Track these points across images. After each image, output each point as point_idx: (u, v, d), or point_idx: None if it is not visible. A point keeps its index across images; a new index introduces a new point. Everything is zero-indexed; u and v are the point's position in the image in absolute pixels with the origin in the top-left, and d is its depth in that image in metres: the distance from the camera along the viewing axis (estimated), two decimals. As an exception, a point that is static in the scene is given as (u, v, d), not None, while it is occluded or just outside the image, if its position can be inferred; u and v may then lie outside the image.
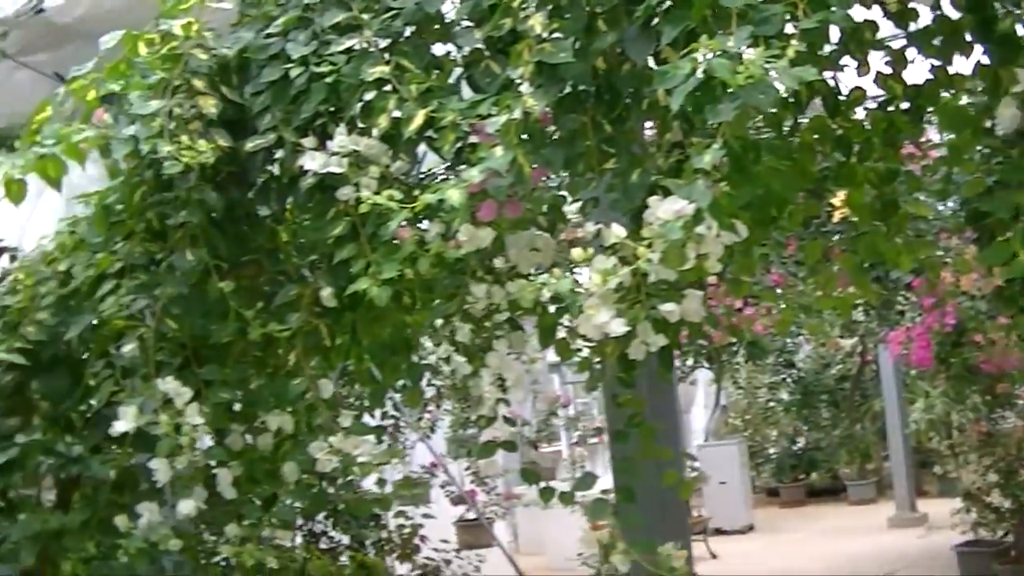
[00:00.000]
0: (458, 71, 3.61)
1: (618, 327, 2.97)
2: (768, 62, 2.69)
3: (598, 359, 3.51)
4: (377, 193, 3.30)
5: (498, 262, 3.47)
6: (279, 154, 3.63)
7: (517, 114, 3.09)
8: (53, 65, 7.70)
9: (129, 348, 3.59)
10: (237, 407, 3.80)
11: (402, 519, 8.42)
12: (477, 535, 12.59)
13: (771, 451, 20.37)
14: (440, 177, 3.87)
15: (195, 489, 3.55)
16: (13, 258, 7.23)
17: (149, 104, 3.63)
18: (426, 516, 8.62)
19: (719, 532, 16.28)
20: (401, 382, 4.17)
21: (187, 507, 3.48)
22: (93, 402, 4.30)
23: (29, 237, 7.87)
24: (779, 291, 8.59)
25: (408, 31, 3.60)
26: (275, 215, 3.85)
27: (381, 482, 7.49)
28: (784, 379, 20.20)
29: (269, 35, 3.72)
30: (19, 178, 3.78)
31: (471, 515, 12.81)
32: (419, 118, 3.40)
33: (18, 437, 3.86)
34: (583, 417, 17.77)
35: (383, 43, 3.57)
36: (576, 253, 2.97)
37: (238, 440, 3.76)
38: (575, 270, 3.24)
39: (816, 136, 3.82)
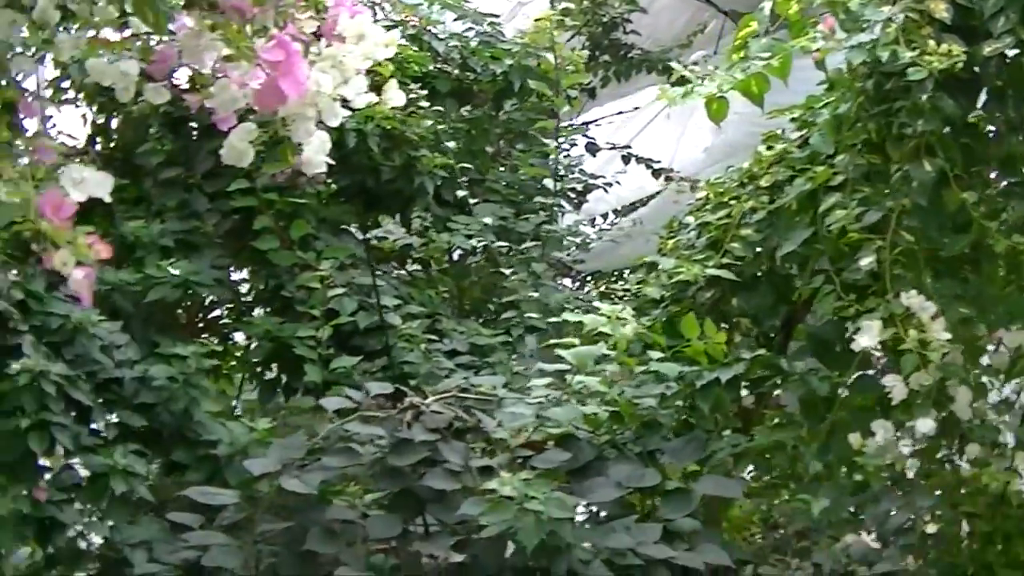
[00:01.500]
0: None
1: None
2: None
3: None
4: None
5: None
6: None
7: None
8: (698, -14, 7.84)
9: (867, 262, 3.48)
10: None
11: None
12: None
13: None
14: None
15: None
16: (669, 179, 7.41)
17: (881, 10, 3.51)
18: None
19: None
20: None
21: (926, 426, 3.37)
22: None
23: (680, 157, 8.06)
24: None
25: None
26: (1010, 123, 3.65)
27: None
28: None
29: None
30: (721, 96, 3.77)
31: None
32: None
33: (743, 352, 3.84)
34: None
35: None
36: None
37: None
38: None
39: None
